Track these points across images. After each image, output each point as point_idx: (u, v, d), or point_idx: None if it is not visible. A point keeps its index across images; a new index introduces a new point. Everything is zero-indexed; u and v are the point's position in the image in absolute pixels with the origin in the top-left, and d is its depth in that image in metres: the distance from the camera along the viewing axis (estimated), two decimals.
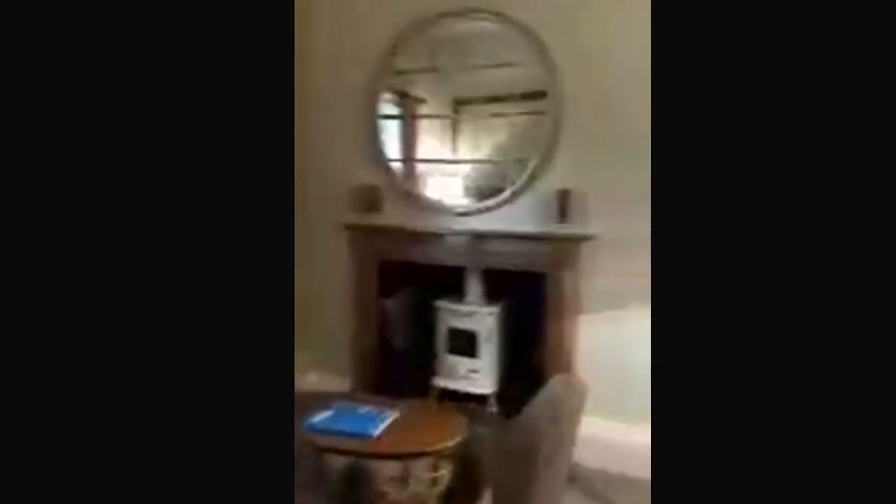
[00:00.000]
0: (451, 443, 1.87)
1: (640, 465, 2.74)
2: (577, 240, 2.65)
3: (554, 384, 1.50)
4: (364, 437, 1.84)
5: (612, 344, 2.71)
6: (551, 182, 2.72)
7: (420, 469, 2.01)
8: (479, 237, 2.81)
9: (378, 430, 1.88)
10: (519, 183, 2.79)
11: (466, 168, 3.02)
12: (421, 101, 3.11)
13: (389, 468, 2.05)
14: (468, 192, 3.02)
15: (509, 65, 2.76)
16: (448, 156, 3.06)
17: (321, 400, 2.07)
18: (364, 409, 2.01)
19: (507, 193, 2.83)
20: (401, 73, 3.03)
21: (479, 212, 2.92)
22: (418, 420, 2.06)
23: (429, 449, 1.87)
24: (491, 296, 3.07)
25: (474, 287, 3.09)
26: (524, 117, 2.82)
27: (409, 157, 3.15)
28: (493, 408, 3.04)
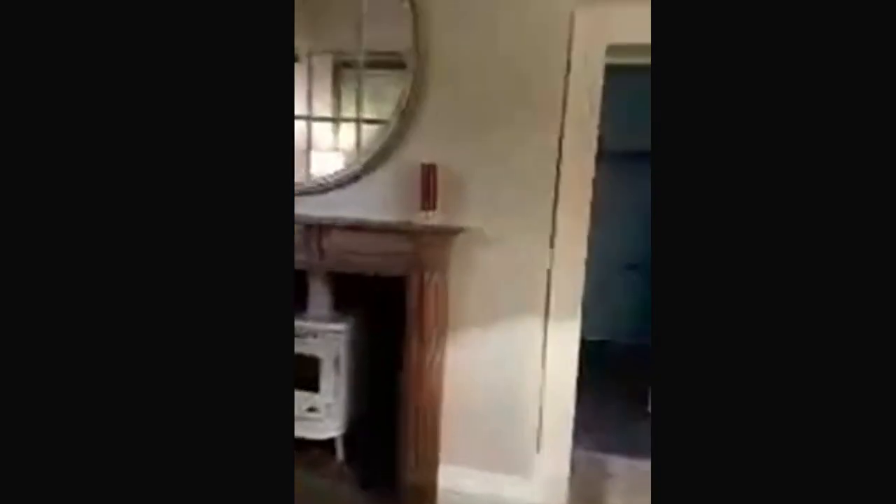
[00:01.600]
0: None
1: None
2: (448, 233, 1.99)
3: None
4: None
5: (493, 368, 2.10)
6: (413, 158, 2.05)
7: None
8: (316, 228, 2.05)
9: None
10: (370, 155, 2.08)
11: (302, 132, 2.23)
12: None
13: None
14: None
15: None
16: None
17: None
18: None
19: (356, 168, 2.10)
20: None
21: (316, 192, 2.16)
22: None
23: None
24: (341, 308, 2.34)
25: (318, 297, 2.34)
26: (383, 75, 2.11)
27: None
28: (341, 455, 2.31)
